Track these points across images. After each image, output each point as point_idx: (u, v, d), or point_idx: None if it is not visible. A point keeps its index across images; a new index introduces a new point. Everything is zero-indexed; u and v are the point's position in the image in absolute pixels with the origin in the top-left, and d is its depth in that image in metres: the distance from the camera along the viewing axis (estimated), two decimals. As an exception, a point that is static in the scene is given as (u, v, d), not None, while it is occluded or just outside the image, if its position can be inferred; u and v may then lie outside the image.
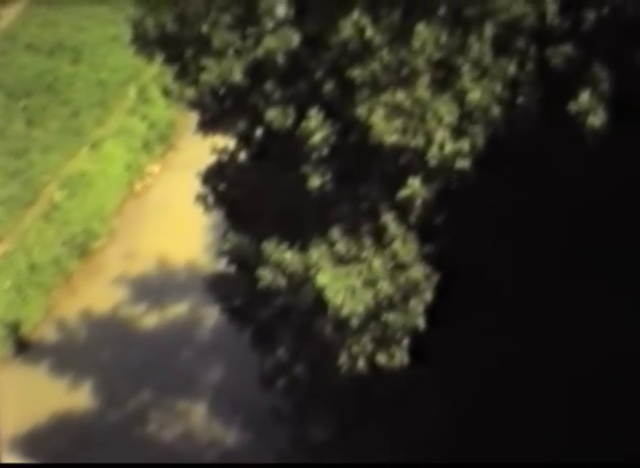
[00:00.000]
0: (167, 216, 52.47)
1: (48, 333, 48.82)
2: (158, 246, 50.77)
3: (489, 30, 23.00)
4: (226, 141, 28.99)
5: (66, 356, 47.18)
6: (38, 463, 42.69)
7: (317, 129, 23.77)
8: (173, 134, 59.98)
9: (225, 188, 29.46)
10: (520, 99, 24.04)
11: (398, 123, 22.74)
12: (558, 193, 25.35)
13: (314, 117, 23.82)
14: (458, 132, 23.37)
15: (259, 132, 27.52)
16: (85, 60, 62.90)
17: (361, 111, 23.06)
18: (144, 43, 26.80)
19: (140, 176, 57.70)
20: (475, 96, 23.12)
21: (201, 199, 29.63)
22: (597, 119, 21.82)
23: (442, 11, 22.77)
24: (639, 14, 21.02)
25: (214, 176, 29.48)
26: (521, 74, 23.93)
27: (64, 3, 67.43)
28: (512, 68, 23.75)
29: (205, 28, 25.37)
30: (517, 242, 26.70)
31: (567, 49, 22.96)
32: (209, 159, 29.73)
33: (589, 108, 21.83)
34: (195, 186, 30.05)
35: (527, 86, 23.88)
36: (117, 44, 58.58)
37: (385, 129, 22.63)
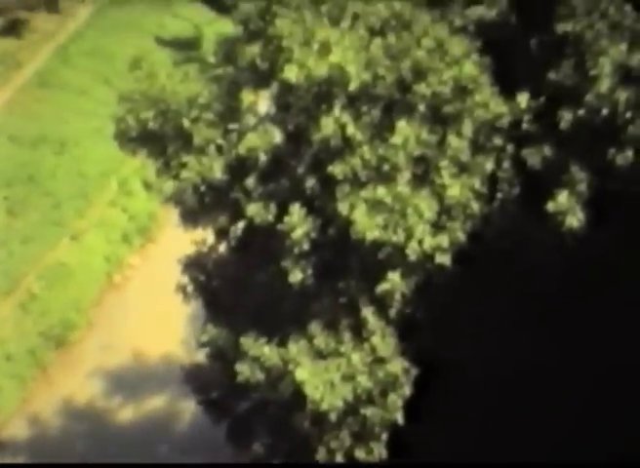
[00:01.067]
0: (146, 308, 52.23)
1: (22, 427, 47.94)
2: (136, 338, 50.44)
3: (467, 127, 23.54)
4: (207, 234, 29.20)
5: (40, 451, 46.27)
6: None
7: (299, 224, 23.94)
8: (153, 226, 60.15)
9: (205, 279, 29.55)
10: (498, 196, 24.44)
11: (379, 219, 22.95)
12: (537, 288, 25.50)
13: (296, 213, 24.02)
14: (437, 227, 23.62)
15: (239, 226, 27.77)
16: (68, 152, 63.34)
17: (342, 207, 23.29)
18: (127, 139, 27.18)
19: (119, 268, 57.56)
20: (454, 192, 23.46)
21: (180, 289, 29.67)
22: (575, 220, 22.16)
23: (422, 108, 23.25)
24: (615, 115, 21.53)
25: (193, 267, 29.58)
26: (499, 171, 24.38)
27: (49, 95, 68.45)
28: (490, 165, 24.23)
29: (186, 125, 25.82)
30: (497, 336, 26.73)
31: (544, 150, 23.50)
32: (189, 252, 29.90)
33: (567, 209, 22.15)
34: (175, 279, 30.08)
35: (505, 182, 24.28)
36: (100, 136, 59.05)
37: (367, 225, 22.83)
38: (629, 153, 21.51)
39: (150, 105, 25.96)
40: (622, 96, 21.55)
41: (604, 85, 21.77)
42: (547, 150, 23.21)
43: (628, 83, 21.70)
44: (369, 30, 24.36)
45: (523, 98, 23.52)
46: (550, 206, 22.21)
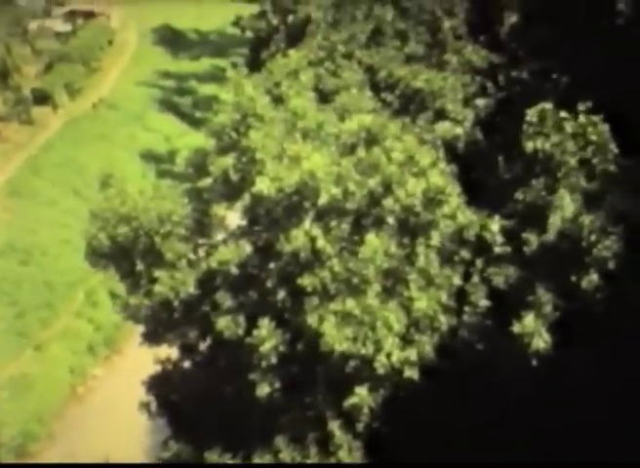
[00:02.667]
0: (108, 420, 51.26)
1: None
2: (98, 449, 49.30)
3: (435, 239, 23.81)
4: (172, 349, 28.96)
5: None
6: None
7: (267, 337, 23.86)
8: (119, 337, 59.57)
9: (169, 395, 29.15)
10: (466, 309, 24.56)
11: (349, 331, 22.92)
12: (506, 402, 25.38)
13: (265, 326, 23.97)
14: (405, 340, 23.60)
15: (207, 340, 27.64)
16: (34, 262, 63.10)
17: (311, 320, 23.25)
18: (98, 257, 27.24)
19: (83, 380, 56.73)
20: (422, 304, 23.56)
21: (144, 406, 29.21)
22: (541, 342, 22.29)
23: (391, 221, 23.51)
24: (581, 238, 21.91)
25: (157, 384, 29.22)
26: (467, 285, 24.56)
27: (18, 205, 68.56)
28: (457, 279, 24.44)
29: (158, 241, 25.94)
30: (466, 450, 26.43)
31: (509, 270, 23.84)
32: (154, 368, 29.57)
33: (533, 331, 22.30)
34: (139, 390, 29.64)
35: (472, 296, 24.43)
36: (68, 246, 59.14)
37: (336, 337, 22.78)
38: (594, 277, 21.83)
39: (122, 223, 26.09)
40: (587, 220, 22.05)
41: (568, 210, 22.32)
42: (513, 270, 23.60)
43: (591, 207, 22.27)
44: (340, 146, 24.84)
45: (495, 224, 23.94)
46: (516, 327, 22.32)
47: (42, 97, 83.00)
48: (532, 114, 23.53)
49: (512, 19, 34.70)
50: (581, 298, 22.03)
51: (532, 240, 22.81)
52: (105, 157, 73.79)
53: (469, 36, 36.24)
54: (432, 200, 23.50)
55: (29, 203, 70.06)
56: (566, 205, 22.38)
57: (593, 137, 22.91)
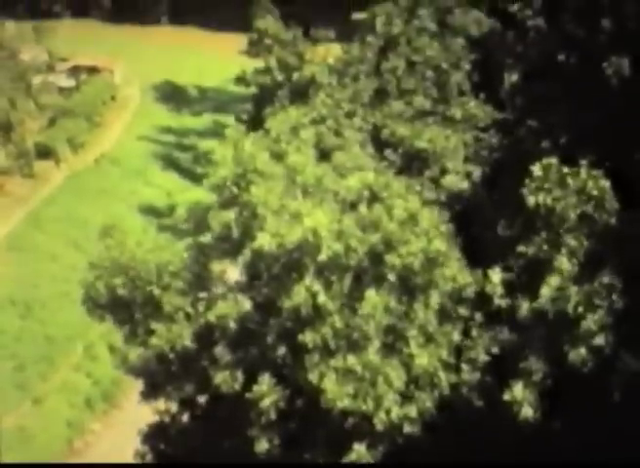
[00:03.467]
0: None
1: None
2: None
3: (434, 298, 23.93)
4: (170, 402, 28.87)
5: None
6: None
7: (267, 393, 23.85)
8: (117, 391, 59.25)
9: (165, 448, 29.03)
10: (465, 366, 24.59)
11: (349, 387, 22.91)
12: (503, 457, 25.27)
13: (264, 382, 23.95)
14: (405, 396, 23.59)
15: (205, 395, 27.60)
16: (34, 316, 63.13)
17: (312, 376, 23.22)
18: (95, 305, 27.33)
19: (80, 434, 56.35)
20: (422, 361, 23.59)
21: (139, 456, 29.13)
22: (530, 410, 22.32)
23: (391, 278, 23.63)
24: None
25: (154, 435, 29.10)
26: (465, 340, 24.62)
27: (19, 259, 68.76)
28: (457, 335, 24.51)
29: (156, 293, 26.04)
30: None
31: (503, 334, 24.00)
32: (152, 419, 29.45)
33: (522, 400, 22.36)
34: (136, 446, 29.54)
35: (471, 352, 24.47)
36: (67, 300, 59.05)
37: (337, 393, 22.76)
38: (582, 350, 21.97)
39: (120, 273, 26.21)
40: (574, 290, 22.26)
41: (554, 280, 22.54)
42: (507, 334, 23.79)
43: (580, 280, 22.51)
44: (341, 202, 25.05)
45: (496, 275, 24.08)
46: (506, 395, 22.40)
47: (45, 152, 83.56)
48: (536, 169, 23.80)
49: (513, 77, 35.24)
50: (571, 368, 22.15)
51: (524, 306, 23.02)
52: (107, 211, 74.02)
53: (472, 92, 36.83)
54: (433, 262, 23.65)
55: (30, 256, 70.21)
56: (564, 268, 22.60)
57: (594, 192, 23.17)
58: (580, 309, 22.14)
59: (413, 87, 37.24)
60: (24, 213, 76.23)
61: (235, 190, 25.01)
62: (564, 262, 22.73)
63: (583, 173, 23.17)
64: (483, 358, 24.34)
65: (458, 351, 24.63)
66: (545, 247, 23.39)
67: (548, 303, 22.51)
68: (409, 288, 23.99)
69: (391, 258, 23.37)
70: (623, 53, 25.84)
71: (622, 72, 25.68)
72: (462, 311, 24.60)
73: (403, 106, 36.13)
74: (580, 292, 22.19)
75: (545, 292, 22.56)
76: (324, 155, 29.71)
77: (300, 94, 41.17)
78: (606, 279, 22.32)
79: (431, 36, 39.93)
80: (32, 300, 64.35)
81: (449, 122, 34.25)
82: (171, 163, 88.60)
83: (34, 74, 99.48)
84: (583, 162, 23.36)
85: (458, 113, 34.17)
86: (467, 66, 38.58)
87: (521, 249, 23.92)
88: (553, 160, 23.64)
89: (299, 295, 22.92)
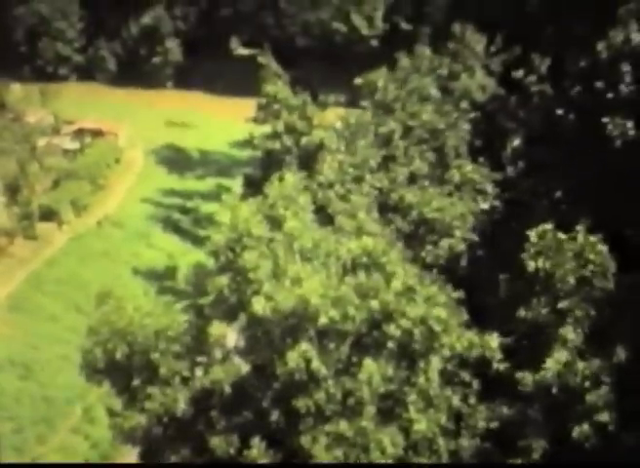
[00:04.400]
0: None
1: None
2: None
3: (435, 365, 23.93)
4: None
5: None
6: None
7: (259, 457, 23.76)
8: (115, 454, 58.71)
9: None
10: (464, 432, 24.51)
11: (339, 452, 22.80)
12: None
13: (257, 446, 23.87)
14: (402, 462, 23.46)
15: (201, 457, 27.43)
16: (34, 377, 62.86)
17: (305, 440, 23.13)
18: (94, 371, 27.37)
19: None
20: (421, 426, 23.51)
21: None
22: None
23: (390, 345, 23.65)
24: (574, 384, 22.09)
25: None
26: (465, 406, 24.56)
27: (19, 320, 68.66)
28: (457, 399, 24.46)
29: (154, 357, 26.09)
30: None
31: (502, 409, 23.96)
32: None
33: None
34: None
35: (470, 419, 24.41)
36: (67, 363, 58.81)
37: (326, 458, 22.72)
38: (585, 427, 21.89)
39: (118, 339, 26.32)
40: (581, 366, 22.28)
41: (563, 356, 22.59)
42: (505, 409, 23.75)
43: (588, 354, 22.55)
44: (339, 267, 25.16)
45: (493, 339, 24.11)
46: None
47: (48, 213, 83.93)
48: (533, 235, 24.01)
49: (515, 141, 35.67)
50: (572, 446, 22.07)
51: (527, 378, 22.99)
52: (108, 274, 74.14)
53: (472, 155, 37.22)
54: (432, 331, 23.68)
55: (31, 318, 70.09)
56: (570, 338, 22.66)
57: (592, 257, 23.34)
58: (587, 384, 22.10)
59: (411, 151, 37.68)
60: (26, 274, 76.28)
61: (230, 255, 25.18)
62: (569, 331, 22.78)
63: (581, 238, 23.35)
64: (482, 425, 24.27)
65: (457, 417, 24.54)
66: (545, 311, 23.46)
67: (554, 377, 22.45)
68: (408, 354, 24.00)
69: (390, 328, 23.42)
70: (628, 115, 26.24)
71: (626, 133, 26.01)
72: (463, 375, 24.57)
73: (405, 169, 36.51)
74: (588, 368, 22.16)
75: (551, 365, 22.52)
76: (330, 220, 29.94)
77: (308, 159, 41.51)
78: (612, 353, 22.33)
79: (429, 101, 40.44)
80: (32, 362, 64.09)
81: (447, 185, 34.59)
82: (173, 225, 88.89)
83: (39, 136, 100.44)
84: (580, 227, 23.54)
85: (455, 177, 34.53)
86: (466, 127, 39.03)
87: (521, 313, 24.00)
88: (549, 226, 23.84)
89: (292, 361, 22.93)
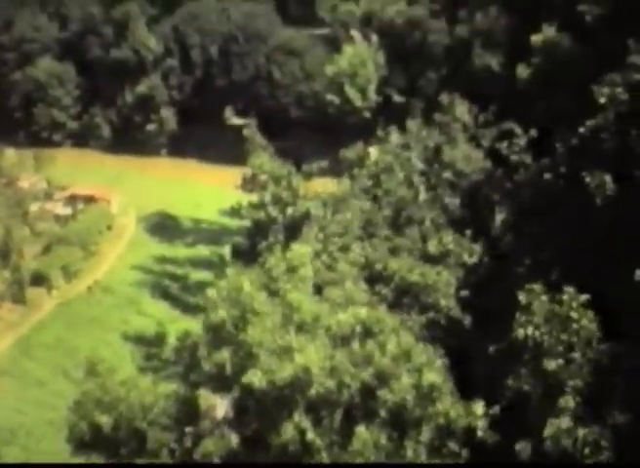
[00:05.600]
0: None
1: None
2: None
3: (425, 435, 23.86)
4: None
5: None
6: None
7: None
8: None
9: None
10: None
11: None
12: None
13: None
14: None
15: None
16: (18, 442, 62.39)
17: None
18: (80, 444, 27.20)
19: None
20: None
21: None
22: None
23: (383, 413, 23.63)
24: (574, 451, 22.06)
25: None
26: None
27: (6, 384, 68.29)
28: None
29: (141, 426, 25.94)
30: None
31: None
32: None
33: None
34: None
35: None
36: (52, 428, 58.33)
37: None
38: None
39: (105, 410, 26.22)
40: (581, 433, 22.27)
41: (564, 422, 22.57)
42: None
43: (587, 421, 22.55)
44: (334, 337, 25.25)
45: (479, 407, 24.08)
46: None
47: (38, 278, 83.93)
48: (522, 297, 24.18)
49: (501, 215, 35.95)
50: None
51: (525, 449, 22.92)
52: (97, 340, 73.95)
53: (454, 228, 37.40)
54: (426, 396, 23.71)
55: (17, 382, 69.72)
56: (569, 406, 22.66)
57: (582, 324, 23.48)
58: (587, 451, 22.04)
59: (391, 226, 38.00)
60: (14, 338, 76.06)
61: (232, 330, 25.24)
62: (569, 401, 22.79)
63: (572, 304, 23.53)
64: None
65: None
66: (532, 381, 23.51)
67: (554, 444, 22.37)
68: (400, 423, 23.96)
69: (384, 394, 23.43)
70: (606, 170, 26.53)
71: (605, 188, 26.19)
72: (452, 445, 24.49)
73: (384, 242, 36.76)
74: (588, 434, 22.11)
75: (551, 431, 22.46)
76: (318, 290, 30.06)
77: (294, 228, 41.77)
78: (611, 419, 22.32)
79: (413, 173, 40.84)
80: (17, 426, 63.68)
81: (428, 258, 34.79)
82: (163, 292, 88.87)
83: (32, 201, 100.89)
84: (569, 289, 23.75)
85: (433, 249, 34.74)
86: (450, 199, 39.36)
87: (509, 382, 24.03)
88: (537, 286, 24.04)
89: (287, 432, 22.85)
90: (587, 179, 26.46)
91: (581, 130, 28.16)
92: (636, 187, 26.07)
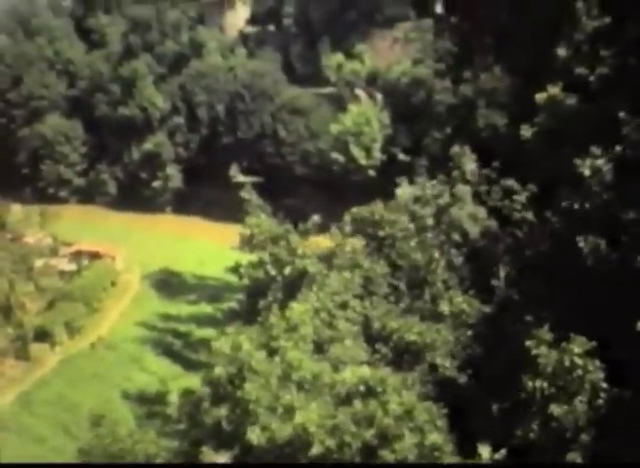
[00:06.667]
0: None
1: None
2: None
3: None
4: None
5: None
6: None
7: None
8: None
9: None
10: None
11: None
12: None
13: None
14: None
15: None
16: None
17: None
18: None
19: None
20: None
21: None
22: None
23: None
24: None
25: None
26: None
27: (5, 439, 67.79)
28: None
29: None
30: None
31: None
32: None
33: None
34: None
35: None
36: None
37: None
38: None
39: (111, 460, 26.10)
40: None
41: None
42: None
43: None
44: (336, 396, 25.08)
45: (485, 450, 23.86)
46: None
47: (41, 334, 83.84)
48: (530, 344, 24.15)
49: (504, 272, 36.02)
50: None
51: None
52: (99, 396, 73.55)
53: (460, 286, 37.46)
54: (428, 457, 23.50)
55: (17, 439, 69.22)
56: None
57: (588, 377, 23.42)
58: None
59: (397, 286, 37.98)
60: (16, 394, 75.74)
61: (229, 387, 25.15)
62: (577, 456, 22.63)
63: (579, 360, 23.51)
64: None
65: None
66: (540, 430, 23.38)
67: None
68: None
69: (386, 454, 23.21)
70: (599, 233, 26.67)
71: (600, 252, 26.34)
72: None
73: (390, 306, 36.71)
74: None
75: None
76: (319, 348, 29.94)
77: (293, 287, 41.74)
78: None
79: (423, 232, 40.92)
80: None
81: (439, 318, 34.75)
82: (166, 349, 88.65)
83: (37, 257, 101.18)
84: (575, 337, 23.72)
85: (445, 309, 34.76)
86: (457, 259, 39.45)
87: (518, 432, 23.87)
88: (544, 333, 24.03)
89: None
90: (581, 244, 26.70)
91: (564, 204, 28.49)
92: (627, 250, 26.19)
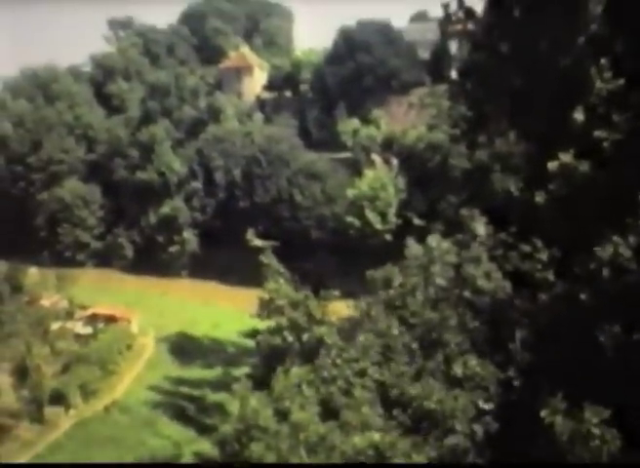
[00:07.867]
0: None
1: None
2: None
3: None
4: None
5: None
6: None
7: None
8: None
9: None
10: None
11: None
12: None
13: None
14: None
15: None
16: None
17: None
18: None
19: None
20: None
21: None
22: None
23: None
24: None
25: None
26: None
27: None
28: None
29: None
30: None
31: None
32: None
33: None
34: None
35: None
36: None
37: None
38: None
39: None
40: None
41: None
42: None
43: None
44: (345, 460, 24.98)
45: None
46: None
47: (56, 397, 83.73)
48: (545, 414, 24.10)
49: (521, 334, 35.87)
50: None
51: None
52: (112, 460, 73.12)
53: (473, 346, 37.27)
54: None
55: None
56: None
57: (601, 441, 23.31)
58: None
59: (413, 350, 37.91)
60: (29, 457, 75.30)
61: (237, 446, 25.12)
62: None
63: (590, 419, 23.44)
64: None
65: None
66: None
67: None
68: None
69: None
70: (617, 320, 26.67)
71: (617, 340, 26.38)
72: None
73: (404, 367, 36.59)
74: None
75: None
76: (334, 414, 29.86)
77: (310, 354, 41.75)
78: None
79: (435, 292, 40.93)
80: None
81: (452, 381, 34.60)
82: (180, 414, 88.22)
83: (53, 320, 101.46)
84: (591, 406, 23.62)
85: (459, 372, 34.63)
86: (471, 321, 39.35)
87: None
88: (559, 403, 23.97)
89: None
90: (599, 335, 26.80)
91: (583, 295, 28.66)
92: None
